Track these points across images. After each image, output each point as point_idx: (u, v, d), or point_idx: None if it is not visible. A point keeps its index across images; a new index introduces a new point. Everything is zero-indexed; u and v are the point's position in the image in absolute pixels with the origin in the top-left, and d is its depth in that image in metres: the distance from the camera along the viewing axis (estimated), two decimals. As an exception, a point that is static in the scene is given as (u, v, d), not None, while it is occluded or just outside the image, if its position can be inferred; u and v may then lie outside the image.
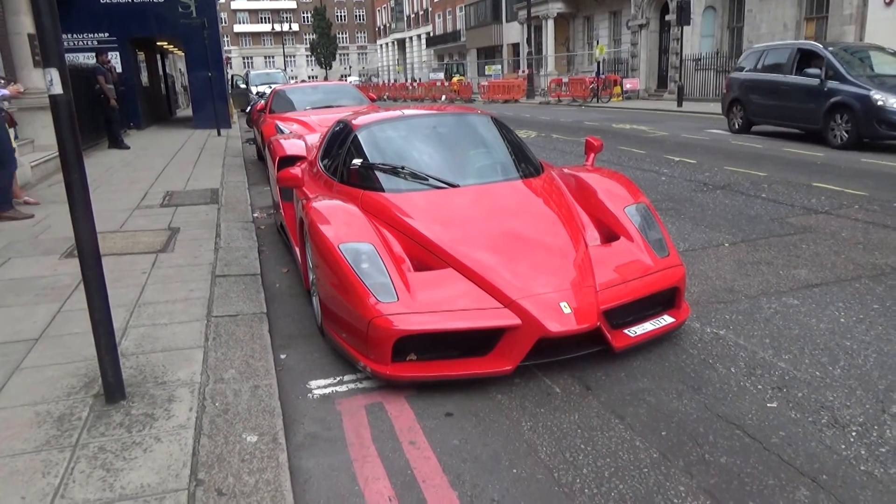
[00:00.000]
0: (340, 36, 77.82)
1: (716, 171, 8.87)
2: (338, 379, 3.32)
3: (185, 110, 27.32)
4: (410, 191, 3.96)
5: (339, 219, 3.66)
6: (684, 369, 3.29)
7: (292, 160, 5.81)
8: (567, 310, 3.09)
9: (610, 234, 3.81)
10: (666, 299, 3.64)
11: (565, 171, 4.53)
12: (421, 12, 57.39)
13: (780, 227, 5.86)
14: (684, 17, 20.00)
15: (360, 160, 4.27)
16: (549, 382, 3.21)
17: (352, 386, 3.25)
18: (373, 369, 3.15)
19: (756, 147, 11.10)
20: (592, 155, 5.02)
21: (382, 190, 4.02)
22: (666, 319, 3.54)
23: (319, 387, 3.25)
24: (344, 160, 4.42)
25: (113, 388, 2.90)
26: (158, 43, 20.80)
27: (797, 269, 4.72)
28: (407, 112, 4.87)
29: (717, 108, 18.99)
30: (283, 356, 3.60)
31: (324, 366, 3.47)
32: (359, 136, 4.51)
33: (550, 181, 4.30)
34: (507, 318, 3.09)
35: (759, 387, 3.09)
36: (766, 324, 3.80)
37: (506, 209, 3.84)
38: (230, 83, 26.02)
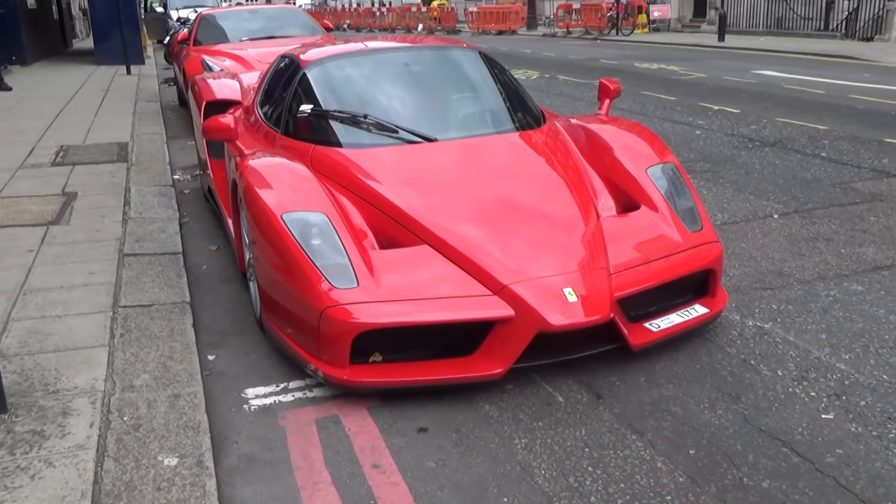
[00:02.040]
0: (287, -55, 76.87)
1: (764, 123, 8.95)
2: (281, 386, 3.32)
3: (84, 41, 26.85)
4: (375, 146, 3.96)
5: (282, 182, 3.65)
6: (719, 372, 3.34)
7: (223, 106, 5.75)
8: (573, 298, 3.12)
9: (628, 202, 3.84)
10: (698, 285, 3.68)
11: (573, 121, 4.54)
12: (391, -84, 56.62)
13: (844, 195, 5.95)
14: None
15: (311, 106, 4.25)
16: (550, 389, 3.24)
17: (299, 395, 3.25)
18: (326, 373, 3.16)
19: (816, 93, 11.20)
20: (608, 102, 5.03)
21: (339, 145, 4.01)
22: (697, 310, 3.59)
23: (258, 396, 3.25)
24: (290, 106, 4.39)
25: (-10, 398, 2.87)
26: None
27: (863, 248, 4.79)
28: (371, 45, 4.83)
29: (768, 42, 19.11)
30: (211, 357, 3.59)
31: (264, 369, 3.47)
32: (309, 76, 4.48)
33: (554, 135, 4.31)
34: (496, 309, 3.11)
35: (813, 394, 3.15)
36: (823, 315, 3.86)
37: (497, 170, 3.84)
38: (143, 5, 25.60)
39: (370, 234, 3.52)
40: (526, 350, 3.12)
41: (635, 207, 3.79)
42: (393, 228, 3.51)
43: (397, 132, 4.00)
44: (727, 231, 5.14)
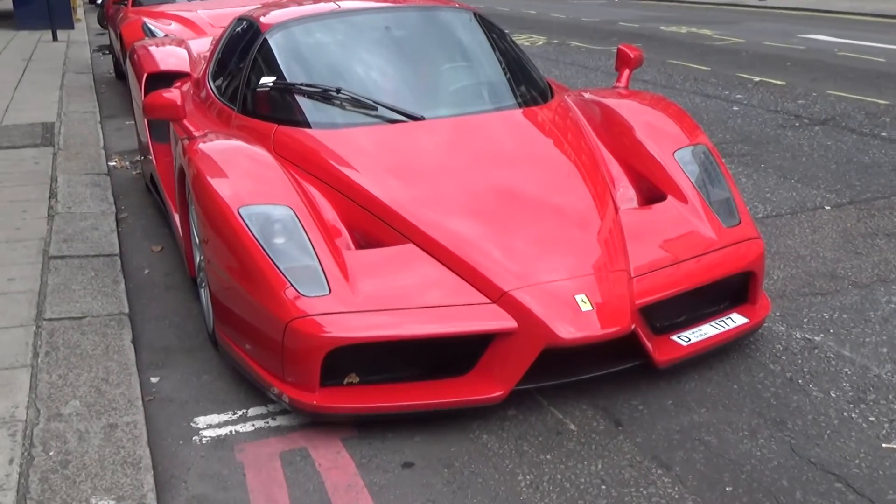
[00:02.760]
0: None
1: (814, 97, 9.01)
2: (239, 413, 3.32)
3: (1, 2, 26.66)
4: (350, 126, 3.97)
5: (239, 169, 3.66)
6: (761, 394, 3.35)
7: (168, 79, 5.74)
8: (587, 306, 3.12)
9: (652, 191, 3.87)
10: (735, 290, 3.71)
11: (587, 96, 4.56)
12: None
13: (908, 182, 6.00)
14: None
15: (273, 79, 4.25)
16: (560, 415, 3.25)
17: (260, 424, 3.25)
18: (292, 398, 3.16)
19: (876, 61, 11.25)
20: (628, 72, 5.04)
21: (307, 125, 4.02)
22: (735, 320, 3.61)
23: (211, 426, 3.24)
24: (248, 79, 4.40)
25: None
26: None
27: (931, 245, 4.84)
28: (345, 5, 4.83)
29: (818, 1, 19.17)
30: (154, 379, 3.59)
31: (217, 393, 3.47)
32: (271, 42, 4.49)
33: (564, 112, 4.32)
34: (496, 320, 3.12)
35: (872, 419, 3.16)
36: (884, 325, 3.89)
37: (496, 154, 3.85)
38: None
39: (344, 232, 3.52)
40: (531, 369, 3.12)
41: (660, 198, 3.81)
42: (372, 224, 3.51)
43: (377, 109, 4.00)
44: (770, 226, 5.17)
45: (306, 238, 3.29)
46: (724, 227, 3.70)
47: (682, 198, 3.77)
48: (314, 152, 3.83)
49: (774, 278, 4.40)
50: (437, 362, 3.24)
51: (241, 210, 3.36)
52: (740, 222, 3.77)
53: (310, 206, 3.47)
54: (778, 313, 4.00)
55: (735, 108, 8.55)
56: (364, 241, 3.51)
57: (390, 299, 3.17)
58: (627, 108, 4.30)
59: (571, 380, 3.28)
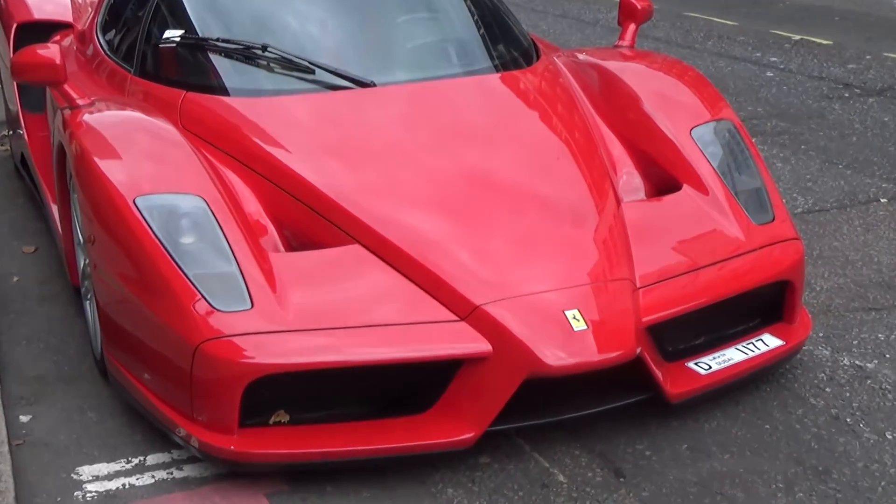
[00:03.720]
0: None
1: (868, 60, 9.06)
2: (134, 462, 3.29)
3: None
4: (280, 93, 3.96)
5: (136, 148, 3.62)
6: (800, 436, 3.37)
7: (45, 31, 5.66)
8: (580, 324, 3.13)
9: (664, 178, 3.89)
10: (768, 304, 3.73)
11: (581, 58, 4.58)
12: None
13: (983, 169, 6.07)
14: None
15: (181, 32, 4.21)
16: (546, 464, 3.25)
17: (162, 475, 3.22)
18: (203, 442, 3.13)
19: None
20: (633, 28, 5.00)
21: (225, 91, 4.00)
22: (767, 342, 3.63)
23: (98, 477, 3.21)
24: (148, 32, 4.35)
25: None
26: None
27: None
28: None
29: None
30: (25, 419, 3.55)
31: (106, 436, 3.44)
32: (177, -15, 4.46)
33: (553, 77, 4.33)
34: (465, 342, 3.12)
35: (937, 467, 3.21)
36: (953, 349, 3.94)
37: (466, 130, 3.86)
38: None
39: (272, 229, 3.51)
40: (509, 405, 3.11)
41: (674, 187, 3.82)
42: (307, 219, 3.51)
43: (314, 72, 3.97)
44: (812, 223, 5.20)
45: (222, 237, 3.26)
46: (753, 224, 3.71)
47: (702, 187, 3.78)
48: (233, 127, 3.81)
49: (817, 290, 4.43)
50: (390, 396, 3.24)
51: (137, 200, 3.32)
52: (774, 219, 3.79)
53: (227, 195, 3.44)
54: (821, 334, 4.03)
55: (769, 74, 8.61)
56: (297, 240, 3.49)
57: (330, 315, 3.17)
58: (633, 74, 4.31)
59: (561, 418, 3.28)
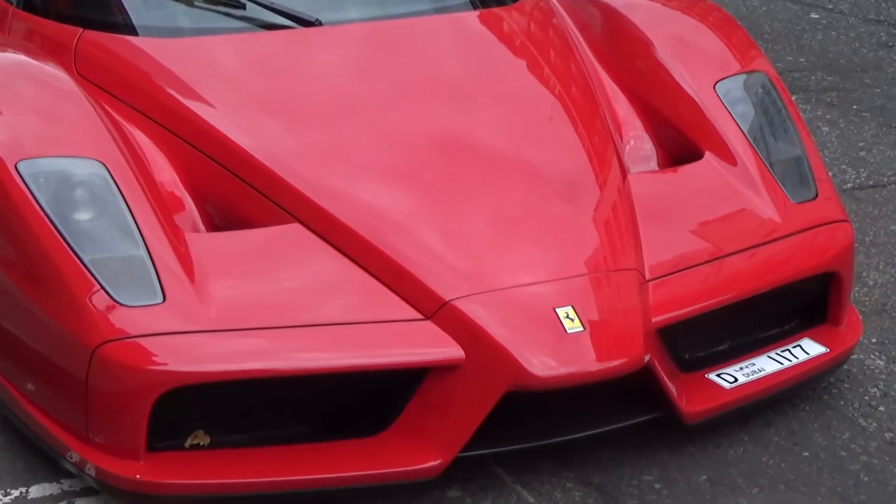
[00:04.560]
0: None
1: (935, 2, 9.08)
2: (15, 494, 3.26)
3: None
4: (202, 33, 3.93)
5: (19, 99, 3.59)
6: (846, 466, 3.37)
7: None
8: (575, 325, 3.10)
9: (681, 144, 3.90)
10: (808, 302, 3.75)
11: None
12: None
13: None
14: None
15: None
16: (532, 499, 3.24)
17: (50, 511, 3.20)
18: (102, 469, 3.08)
19: None
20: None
21: (131, 29, 3.96)
22: (807, 349, 3.63)
23: (-33, 514, 3.18)
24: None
25: None
26: None
27: None
28: None
29: None
30: None
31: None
32: None
33: (544, 17, 4.32)
34: (431, 347, 3.11)
35: None
36: None
37: (435, 83, 3.87)
38: None
39: (190, 203, 3.48)
40: (486, 425, 3.09)
41: (694, 156, 3.82)
42: (235, 192, 3.48)
43: (244, 7, 3.94)
44: (865, 202, 5.22)
45: (126, 212, 3.21)
46: (791, 202, 3.72)
47: (728, 155, 3.78)
48: (142, 74, 3.78)
49: (870, 284, 4.45)
50: (338, 414, 3.22)
51: (20, 166, 3.26)
52: (817, 196, 3.78)
53: (133, 160, 3.40)
54: (874, 339, 4.04)
55: (814, 16, 8.60)
56: (221, 217, 3.47)
57: (261, 312, 3.14)
58: (644, 14, 4.30)
59: (550, 442, 3.26)
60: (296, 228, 3.33)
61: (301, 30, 3.94)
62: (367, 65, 3.88)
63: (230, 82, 3.73)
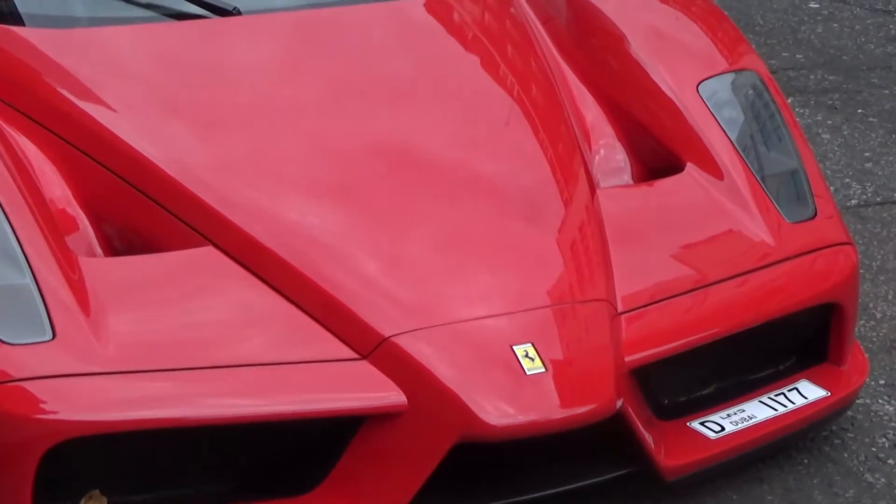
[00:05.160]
0: None
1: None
2: None
3: None
4: (101, 23, 3.91)
5: None
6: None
7: None
8: (535, 365, 3.08)
9: (659, 154, 3.91)
10: (806, 337, 3.75)
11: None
12: None
13: None
14: None
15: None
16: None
17: None
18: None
19: None
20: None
21: (18, 18, 3.90)
22: (805, 392, 3.63)
23: None
24: None
25: None
26: None
27: None
28: None
29: None
30: None
31: None
32: None
33: (501, 6, 4.32)
34: (367, 391, 3.09)
35: None
36: None
37: (374, 81, 3.86)
38: None
39: (84, 222, 3.44)
40: (432, 480, 3.07)
41: (674, 168, 3.83)
42: (137, 208, 3.45)
43: (151, -10, 3.95)
44: (871, 221, 5.24)
45: (10, 234, 3.17)
46: (786, 222, 3.72)
47: (713, 168, 3.78)
48: (29, 72, 3.75)
49: (878, 317, 4.46)
50: (260, 469, 3.19)
51: None
52: (816, 214, 3.78)
53: (19, 172, 3.36)
54: (882, 381, 4.05)
55: (813, 6, 8.66)
56: (121, 239, 3.44)
57: (169, 351, 3.09)
58: (617, 3, 4.31)
59: (507, 502, 3.24)
60: (210, 252, 3.30)
61: (216, 20, 3.92)
62: (294, 61, 3.87)
63: (133, 81, 3.70)
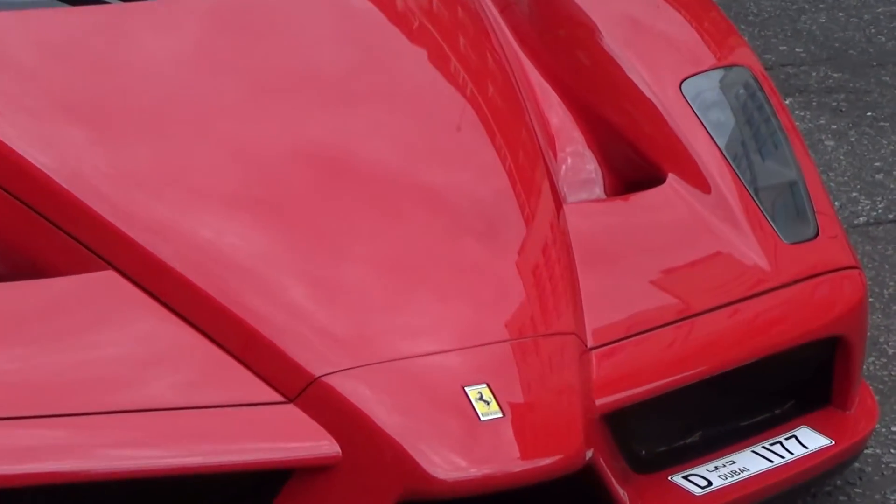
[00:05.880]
0: None
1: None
2: None
3: None
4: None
5: None
6: None
7: None
8: (491, 409, 3.06)
9: (636, 164, 3.91)
10: (806, 376, 3.75)
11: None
12: None
13: None
14: None
15: None
16: None
17: None
18: None
19: None
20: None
21: None
22: (805, 441, 3.62)
23: None
24: None
25: None
26: None
27: None
28: None
29: None
30: None
31: None
32: None
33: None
34: (295, 440, 3.06)
35: None
36: None
37: (305, 78, 3.86)
38: None
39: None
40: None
41: (654, 180, 3.82)
42: (22, 225, 3.43)
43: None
44: (883, 241, 5.27)
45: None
46: (784, 242, 3.72)
47: (699, 179, 3.79)
48: None
49: (890, 353, 4.48)
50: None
51: None
52: (818, 234, 3.78)
53: None
54: (895, 428, 4.05)
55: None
56: (5, 262, 3.41)
57: (58, 393, 3.05)
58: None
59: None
60: (108, 277, 3.27)
61: (117, 4, 3.93)
62: (210, 54, 3.86)
63: (17, 76, 3.67)
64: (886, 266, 5.00)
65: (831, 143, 6.20)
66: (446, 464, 3.00)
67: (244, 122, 3.65)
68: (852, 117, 6.54)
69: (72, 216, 3.37)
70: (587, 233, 3.56)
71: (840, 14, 8.18)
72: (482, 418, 3.04)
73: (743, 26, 4.32)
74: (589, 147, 3.94)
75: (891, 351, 4.46)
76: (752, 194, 3.78)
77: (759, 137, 3.96)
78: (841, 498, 3.72)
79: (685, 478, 3.42)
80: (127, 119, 3.64)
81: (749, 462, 3.50)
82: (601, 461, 3.18)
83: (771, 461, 3.52)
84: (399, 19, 4.13)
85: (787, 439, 3.60)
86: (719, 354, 3.46)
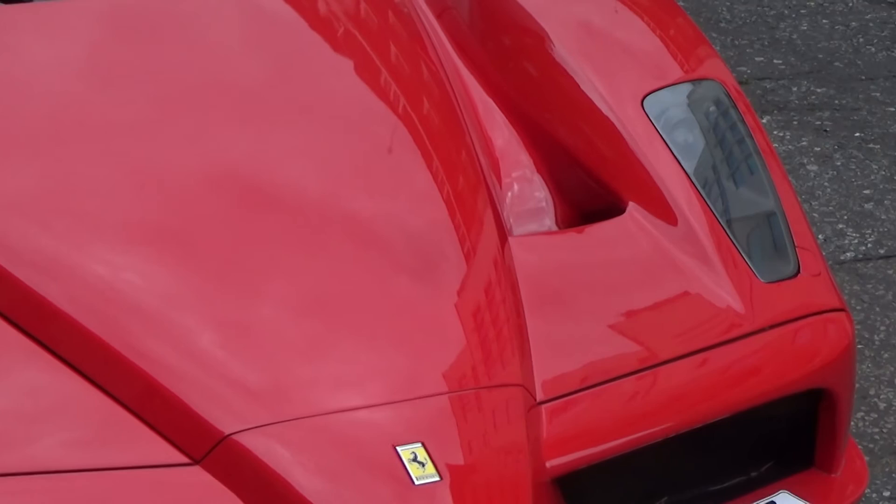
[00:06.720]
0: None
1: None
2: None
3: None
4: None
5: None
6: None
7: None
8: (427, 473, 3.08)
9: (591, 191, 3.95)
10: (786, 435, 3.79)
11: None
12: None
13: None
14: None
15: None
16: None
17: None
18: None
19: None
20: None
21: None
22: (786, 506, 3.68)
23: None
24: None
25: None
26: None
27: None
28: None
29: None
30: None
31: None
32: None
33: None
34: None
35: None
36: None
37: (216, 89, 3.88)
38: None
39: None
40: None
41: (613, 209, 3.86)
42: None
43: None
44: (873, 280, 5.32)
45: None
46: (760, 281, 3.76)
47: (663, 209, 3.83)
48: None
49: (881, 408, 4.54)
50: None
51: None
52: (799, 271, 3.83)
53: None
54: (887, 493, 4.11)
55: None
56: None
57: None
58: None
59: None
60: None
61: (-1, 6, 3.95)
62: (104, 62, 3.88)
63: None
64: (877, 308, 5.04)
65: (814, 167, 6.24)
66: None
67: (144, 140, 3.65)
68: (838, 138, 6.59)
69: None
70: (536, 270, 3.59)
71: (824, 21, 8.23)
72: (416, 482, 3.05)
73: (714, 34, 4.34)
74: (538, 172, 3.96)
75: (882, 405, 4.50)
76: (724, 226, 3.81)
77: (731, 161, 3.99)
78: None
79: None
80: (4, 136, 3.63)
81: None
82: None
83: None
84: (321, 25, 4.14)
85: None
86: (687, 409, 3.49)
